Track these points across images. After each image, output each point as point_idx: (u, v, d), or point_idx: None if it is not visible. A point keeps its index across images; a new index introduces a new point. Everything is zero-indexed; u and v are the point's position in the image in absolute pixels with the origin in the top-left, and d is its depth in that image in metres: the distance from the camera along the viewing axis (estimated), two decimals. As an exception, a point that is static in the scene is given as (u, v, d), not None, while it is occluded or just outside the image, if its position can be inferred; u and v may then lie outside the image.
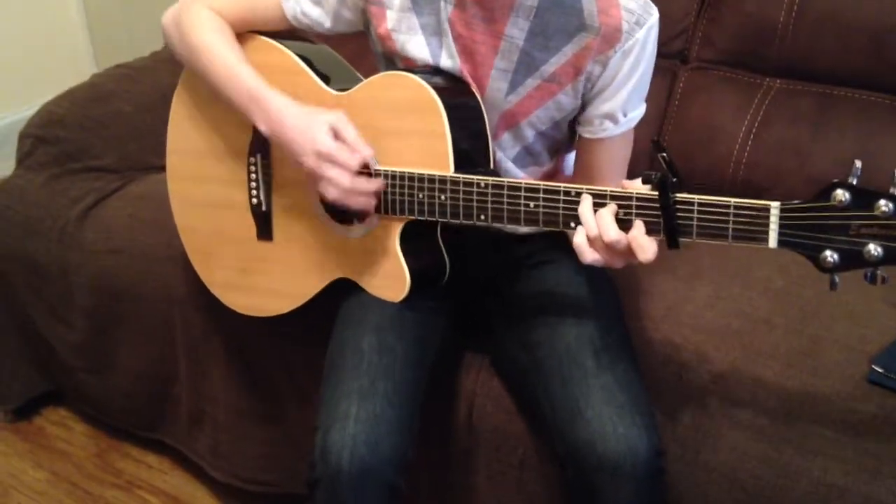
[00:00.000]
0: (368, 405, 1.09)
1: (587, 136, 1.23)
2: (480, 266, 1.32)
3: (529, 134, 1.23)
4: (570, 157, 1.36)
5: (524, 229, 1.31)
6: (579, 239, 1.04)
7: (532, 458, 1.31)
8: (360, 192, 1.16)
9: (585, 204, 1.04)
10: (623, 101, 1.19)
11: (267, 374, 1.54)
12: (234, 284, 1.40)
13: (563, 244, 1.33)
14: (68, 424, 1.90)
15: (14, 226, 1.72)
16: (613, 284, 1.32)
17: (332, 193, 1.16)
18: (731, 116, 1.64)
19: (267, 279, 1.35)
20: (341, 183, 1.14)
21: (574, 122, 1.25)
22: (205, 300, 1.47)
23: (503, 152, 1.25)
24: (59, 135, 1.78)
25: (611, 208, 1.02)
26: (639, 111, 1.22)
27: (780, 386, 1.21)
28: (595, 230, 1.02)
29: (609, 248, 1.02)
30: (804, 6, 1.58)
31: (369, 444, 1.06)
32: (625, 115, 1.20)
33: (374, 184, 1.17)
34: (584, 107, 1.22)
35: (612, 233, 1.01)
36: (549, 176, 1.31)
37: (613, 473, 1.05)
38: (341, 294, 1.29)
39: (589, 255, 1.04)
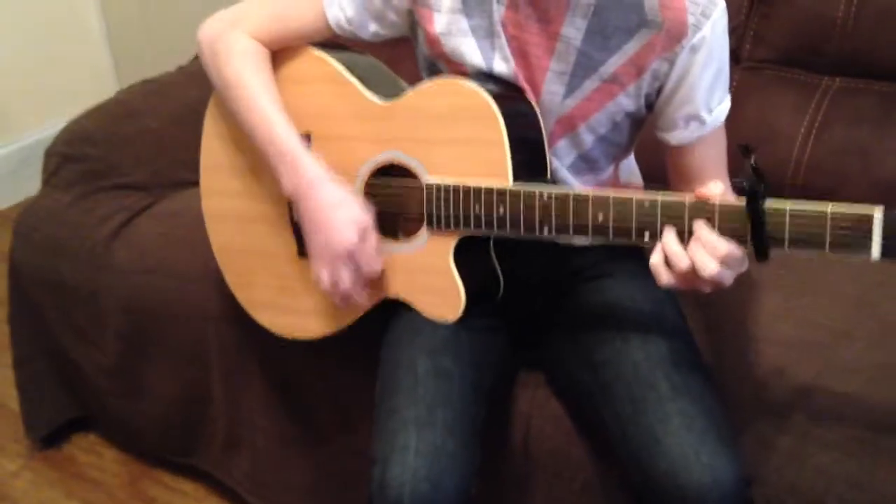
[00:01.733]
0: (428, 436, 1.03)
1: (676, 141, 1.16)
2: (535, 280, 1.25)
3: (588, 139, 1.17)
4: (628, 163, 1.30)
5: (579, 240, 1.24)
6: (656, 259, 0.98)
7: (595, 484, 1.24)
8: (350, 300, 1.16)
9: (669, 237, 0.98)
10: (704, 98, 1.12)
11: (308, 398, 1.48)
12: (273, 304, 1.34)
13: (622, 255, 1.27)
14: (98, 451, 1.85)
15: (41, 247, 1.67)
16: (676, 298, 1.24)
17: (324, 283, 1.15)
18: (788, 118, 1.57)
19: (308, 299, 1.29)
20: (342, 283, 1.13)
21: (656, 132, 1.18)
22: (242, 320, 1.40)
23: (559, 160, 1.18)
24: (86, 152, 1.73)
25: (704, 242, 0.96)
26: (724, 105, 1.15)
27: (867, 402, 1.13)
28: (687, 264, 0.96)
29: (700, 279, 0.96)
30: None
31: (430, 479, 1.00)
32: (710, 113, 1.14)
33: (364, 303, 1.17)
34: (662, 111, 1.15)
35: (713, 268, 0.95)
36: (607, 184, 1.24)
37: None
38: (389, 313, 1.22)
39: (665, 278, 0.98)
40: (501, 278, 1.19)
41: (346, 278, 1.13)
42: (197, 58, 2.03)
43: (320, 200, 1.13)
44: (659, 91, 1.14)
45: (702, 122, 1.14)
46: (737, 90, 1.62)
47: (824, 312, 1.26)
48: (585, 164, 1.20)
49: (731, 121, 1.62)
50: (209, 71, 1.25)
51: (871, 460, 1.08)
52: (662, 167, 1.25)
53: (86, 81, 2.84)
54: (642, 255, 1.30)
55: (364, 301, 1.17)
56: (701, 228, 0.97)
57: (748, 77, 1.64)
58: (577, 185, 1.20)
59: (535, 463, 1.27)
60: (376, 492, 1.02)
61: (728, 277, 0.97)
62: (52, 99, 2.78)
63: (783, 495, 1.11)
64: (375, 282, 1.21)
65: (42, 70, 2.76)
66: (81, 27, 2.86)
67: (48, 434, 1.83)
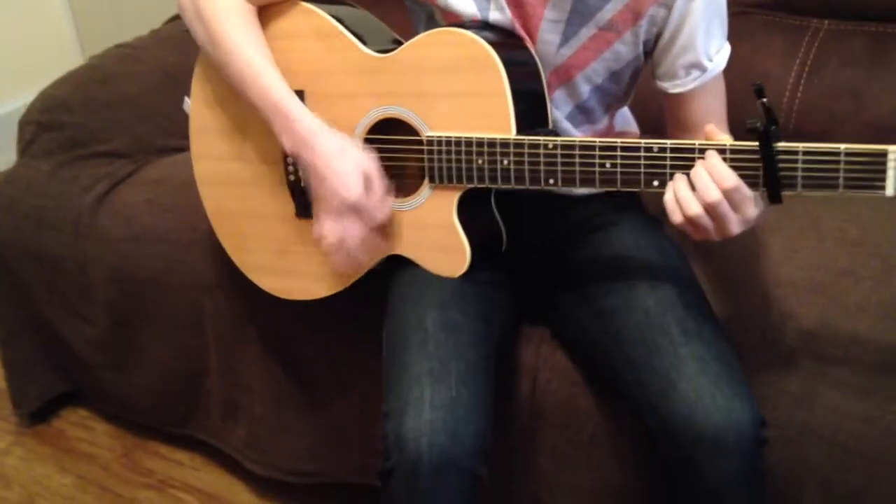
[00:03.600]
0: (442, 388, 1.01)
1: (676, 90, 1.14)
2: (537, 232, 1.24)
3: (585, 90, 1.15)
4: (623, 112, 1.28)
5: (580, 191, 1.22)
6: (670, 196, 0.97)
7: (603, 435, 1.24)
8: (354, 256, 1.12)
9: (680, 183, 0.97)
10: (703, 45, 1.11)
11: (306, 361, 1.46)
12: (272, 267, 1.31)
13: (625, 205, 1.26)
14: (89, 425, 1.82)
15: (22, 219, 1.63)
16: (681, 245, 1.24)
17: (330, 237, 1.11)
18: (778, 62, 1.56)
19: (307, 260, 1.27)
20: (350, 236, 1.10)
21: (655, 81, 1.17)
22: (236, 285, 1.38)
23: (557, 111, 1.16)
24: (63, 120, 1.68)
25: (712, 170, 0.95)
26: (724, 52, 1.14)
27: (876, 340, 1.14)
28: (696, 210, 0.96)
29: (708, 209, 0.95)
30: (852, -62, 1.51)
31: (447, 430, 0.99)
32: (710, 60, 1.12)
33: (366, 262, 1.14)
34: (661, 59, 1.13)
35: (714, 195, 0.94)
36: (603, 135, 1.23)
37: (715, 448, 0.98)
38: (389, 271, 1.21)
39: (678, 217, 0.97)
40: (504, 231, 1.18)
41: (353, 232, 1.10)
42: (170, 21, 2.00)
43: (320, 152, 1.10)
44: (657, 38, 1.12)
45: (703, 69, 1.13)
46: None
47: (828, 254, 1.26)
48: (582, 114, 1.18)
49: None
50: (194, 31, 1.20)
51: (882, 395, 1.09)
52: (656, 119, 1.25)
53: (49, 53, 2.76)
54: (644, 205, 1.30)
55: (366, 260, 1.14)
56: (712, 156, 0.96)
57: (737, 23, 1.58)
58: (577, 135, 1.18)
59: (543, 416, 1.27)
60: (392, 446, 1.00)
61: (733, 220, 0.96)
62: (14, 73, 2.70)
63: (795, 436, 1.11)
64: (377, 239, 1.19)
65: (3, 44, 2.68)
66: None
67: (37, 410, 1.80)
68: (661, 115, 1.24)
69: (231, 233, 1.34)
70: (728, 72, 1.57)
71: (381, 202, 1.11)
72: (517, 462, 1.30)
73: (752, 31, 1.60)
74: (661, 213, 1.23)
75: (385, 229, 1.15)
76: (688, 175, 0.98)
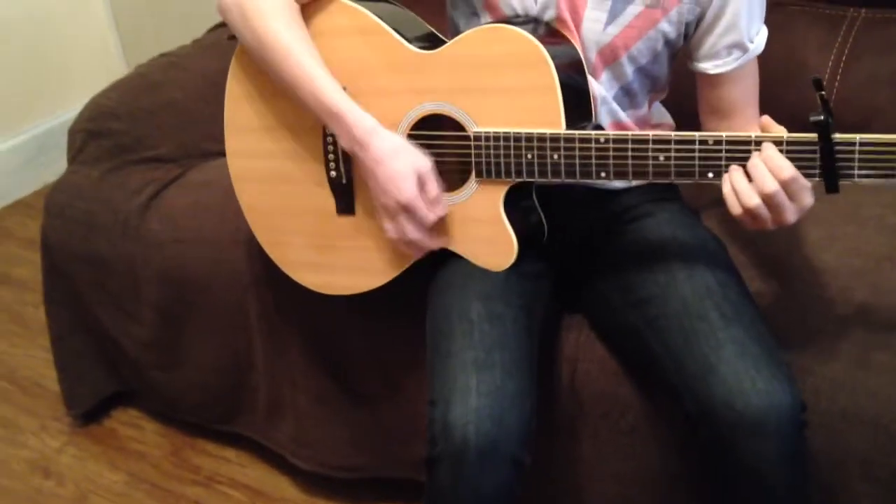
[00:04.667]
0: (488, 377, 1.03)
1: (717, 70, 1.16)
2: (576, 224, 1.25)
3: (629, 70, 1.16)
4: (658, 105, 1.29)
5: (618, 183, 1.24)
6: (728, 189, 0.99)
7: (643, 423, 1.25)
8: (415, 247, 1.15)
9: (736, 175, 0.98)
10: (745, 25, 1.12)
11: (351, 356, 1.48)
12: (312, 263, 1.33)
13: (661, 196, 1.27)
14: (139, 424, 1.86)
15: (74, 223, 1.67)
16: (718, 234, 1.24)
17: (390, 234, 1.15)
18: (814, 53, 1.56)
19: (350, 255, 1.29)
20: (406, 234, 1.13)
21: (694, 63, 1.18)
22: (279, 283, 1.40)
23: (606, 92, 1.17)
24: (111, 127, 1.72)
25: (770, 161, 0.96)
26: (763, 34, 1.16)
27: (917, 324, 1.13)
28: (755, 202, 0.97)
29: (766, 199, 0.97)
30: (888, -75, 1.50)
31: (493, 418, 1.01)
32: (751, 41, 1.14)
33: (434, 242, 1.16)
34: (703, 39, 1.14)
35: (772, 186, 0.95)
36: (644, 123, 1.24)
37: (755, 431, 0.98)
38: (431, 264, 1.23)
39: (737, 209, 0.99)
40: (545, 224, 1.19)
41: (409, 230, 1.12)
42: (212, 30, 2.05)
43: (375, 151, 1.11)
44: (699, 20, 1.13)
45: (744, 49, 1.14)
46: (761, 28, 1.61)
47: (867, 240, 1.26)
48: (627, 97, 1.20)
49: (758, 59, 1.62)
50: (240, 32, 1.21)
51: (924, 379, 1.09)
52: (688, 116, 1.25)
53: (94, 65, 2.83)
54: (682, 196, 1.31)
55: (432, 244, 1.16)
56: (768, 147, 0.97)
57: (772, 14, 1.58)
58: (625, 120, 1.20)
59: (583, 405, 1.28)
60: (439, 433, 1.02)
61: (791, 212, 0.98)
62: (61, 86, 2.78)
63: (837, 421, 1.11)
64: (434, 234, 1.20)
65: (51, 58, 2.75)
66: (87, 11, 2.84)
67: (89, 410, 1.84)
68: (696, 102, 1.24)
69: (268, 228, 1.36)
70: (765, 63, 1.57)
71: (435, 202, 1.12)
72: (558, 450, 1.32)
73: (789, 22, 1.60)
74: (699, 205, 1.24)
75: (439, 224, 1.17)
76: (744, 167, 0.99)
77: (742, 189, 0.98)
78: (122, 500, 1.69)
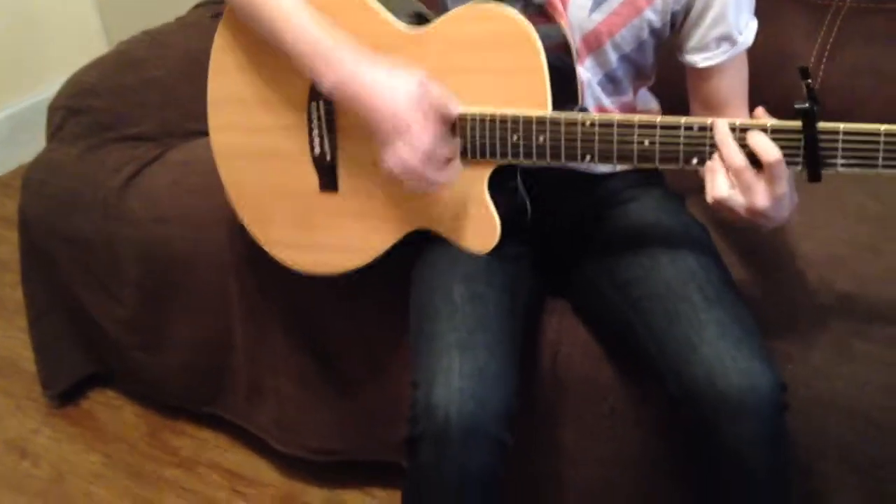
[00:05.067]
0: (470, 358, 1.03)
1: (706, 63, 1.16)
2: (561, 208, 1.25)
3: (613, 58, 1.16)
4: (644, 91, 1.29)
5: (603, 168, 1.24)
6: (712, 164, 0.99)
7: (624, 406, 1.26)
8: (425, 179, 1.07)
9: (724, 130, 0.98)
10: (734, 17, 1.12)
11: (333, 338, 1.48)
12: (294, 242, 1.32)
13: (646, 181, 1.27)
14: (117, 405, 1.85)
15: (53, 201, 1.66)
16: (702, 220, 1.25)
17: (395, 167, 1.06)
18: (800, 41, 1.56)
19: (332, 234, 1.28)
20: (410, 163, 1.05)
21: (684, 56, 1.18)
22: (261, 263, 1.39)
23: (591, 77, 1.17)
24: (91, 104, 1.70)
25: (757, 145, 0.96)
26: (753, 26, 1.16)
27: (896, 312, 1.14)
28: (741, 162, 0.96)
29: (739, 175, 0.96)
30: (873, -85, 1.51)
31: (476, 398, 1.01)
32: (740, 33, 1.14)
33: (444, 175, 1.08)
34: (692, 32, 1.14)
35: (775, 153, 0.95)
36: (629, 109, 1.24)
37: (736, 409, 0.99)
38: (415, 244, 1.22)
39: (721, 190, 0.98)
40: (529, 206, 1.19)
41: (421, 145, 1.04)
42: (195, 8, 2.02)
43: (366, 82, 1.06)
44: (687, 12, 1.13)
45: (733, 42, 1.14)
46: (747, 16, 1.62)
47: (849, 230, 1.28)
48: (611, 83, 1.19)
49: (743, 47, 1.62)
50: None
51: (905, 366, 1.10)
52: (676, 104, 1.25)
53: (74, 42, 2.79)
54: (666, 181, 1.32)
55: (448, 175, 1.08)
56: (754, 134, 0.97)
57: (758, 2, 1.61)
58: (609, 106, 1.20)
59: (565, 388, 1.29)
60: (421, 413, 1.02)
61: (761, 193, 0.97)
62: (42, 64, 2.74)
63: (816, 406, 1.13)
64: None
65: (29, 36, 2.71)
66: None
67: (65, 391, 1.83)
68: (685, 95, 1.25)
69: (249, 206, 1.34)
70: (751, 51, 1.58)
71: (444, 100, 1.07)
72: (539, 434, 1.32)
73: (774, 10, 1.60)
74: (683, 191, 1.24)
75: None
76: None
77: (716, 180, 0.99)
78: (99, 482, 1.68)
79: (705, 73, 1.17)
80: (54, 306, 1.75)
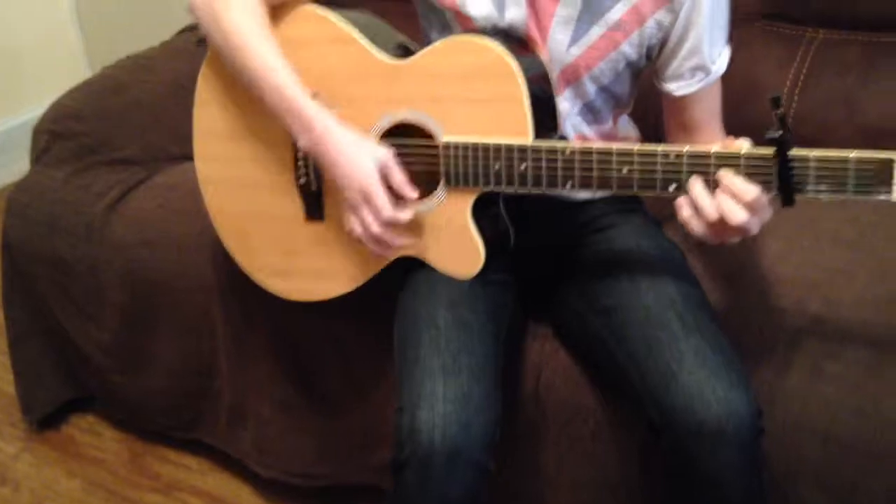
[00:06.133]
0: (454, 383, 1.05)
1: (681, 92, 1.19)
2: (542, 233, 1.27)
3: (591, 89, 1.19)
4: (624, 117, 1.32)
5: (583, 195, 1.26)
6: (687, 213, 1.01)
7: (605, 430, 1.27)
8: (384, 242, 1.14)
9: (698, 187, 1.00)
10: (707, 48, 1.15)
11: (316, 364, 1.49)
12: (279, 269, 1.34)
13: (626, 207, 1.29)
14: (97, 431, 1.85)
15: (37, 224, 1.66)
16: (680, 245, 1.27)
17: (354, 229, 1.14)
18: (774, 71, 1.60)
19: (317, 262, 1.29)
20: (369, 226, 1.13)
21: (659, 83, 1.21)
22: (245, 288, 1.40)
23: (570, 108, 1.20)
24: (76, 128, 1.71)
25: (732, 189, 0.99)
26: (726, 55, 1.19)
27: (869, 336, 1.17)
28: (715, 215, 0.99)
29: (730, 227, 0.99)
30: (845, -48, 1.55)
31: (460, 423, 1.02)
32: (713, 63, 1.17)
33: (400, 241, 1.15)
34: (668, 62, 1.17)
35: (741, 216, 0.98)
36: (609, 137, 1.26)
37: (715, 438, 1.01)
38: (400, 272, 1.24)
39: (698, 228, 1.01)
40: (512, 232, 1.21)
41: (371, 222, 1.12)
42: (181, 33, 2.04)
43: (336, 142, 1.12)
44: (663, 44, 1.16)
45: (707, 71, 1.17)
46: (723, 46, 1.66)
47: (824, 254, 1.30)
48: (590, 113, 1.22)
49: (719, 76, 1.65)
50: (209, 31, 1.21)
51: (875, 390, 1.12)
52: (654, 129, 1.28)
53: (57, 66, 2.80)
54: (646, 207, 1.34)
55: (398, 241, 1.15)
56: (726, 176, 1.00)
57: (734, 32, 1.64)
58: (589, 134, 1.22)
59: (546, 412, 1.30)
60: (406, 438, 1.03)
61: (755, 225, 1.00)
62: (24, 86, 2.74)
63: (790, 430, 1.14)
64: (402, 229, 1.20)
65: (11, 57, 2.72)
66: (50, 11, 2.82)
67: (46, 416, 1.82)
68: (662, 117, 1.27)
69: (235, 234, 1.36)
70: (726, 79, 1.61)
71: (402, 186, 1.12)
72: (520, 457, 1.33)
73: (749, 40, 1.64)
74: (662, 216, 1.27)
75: (403, 226, 1.17)
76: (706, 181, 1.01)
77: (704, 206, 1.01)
78: (80, 507, 1.68)
79: (680, 101, 1.20)
80: (35, 330, 1.75)
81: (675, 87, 1.19)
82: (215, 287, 1.52)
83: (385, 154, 1.13)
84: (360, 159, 1.12)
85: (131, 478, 1.73)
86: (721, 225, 1.00)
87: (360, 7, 1.27)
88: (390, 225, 1.13)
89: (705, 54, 1.15)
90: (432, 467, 1.01)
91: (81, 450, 1.80)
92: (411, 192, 1.13)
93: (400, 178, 1.13)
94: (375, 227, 1.13)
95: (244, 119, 1.29)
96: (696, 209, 1.01)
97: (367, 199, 1.12)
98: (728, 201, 0.99)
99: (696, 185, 1.01)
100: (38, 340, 1.76)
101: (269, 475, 1.60)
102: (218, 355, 1.58)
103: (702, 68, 1.17)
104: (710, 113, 1.22)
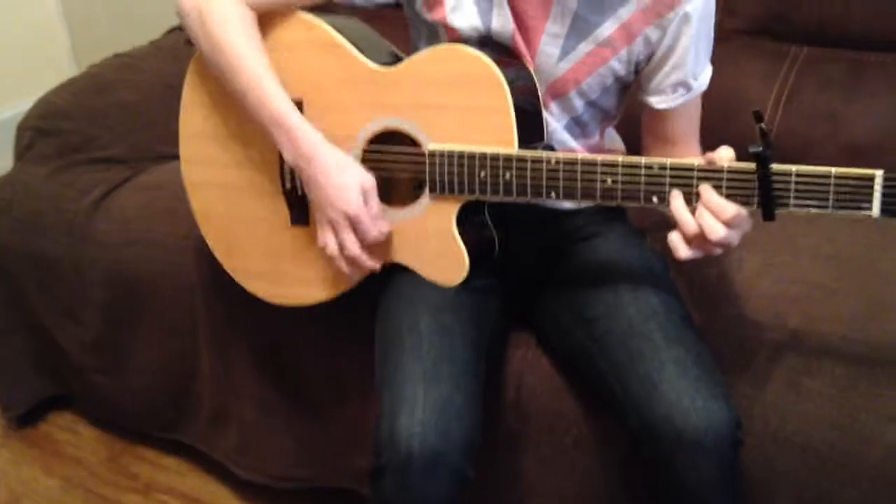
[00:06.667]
0: (435, 390, 1.05)
1: (661, 106, 1.19)
2: (526, 242, 1.28)
3: (579, 104, 1.19)
4: (610, 130, 1.33)
5: (568, 204, 1.27)
6: (675, 236, 1.02)
7: (586, 439, 1.27)
8: (358, 265, 1.16)
9: (677, 202, 1.01)
10: (691, 65, 1.16)
11: (299, 366, 1.48)
12: (263, 274, 1.34)
13: (610, 217, 1.30)
14: (76, 429, 1.84)
15: (19, 221, 1.65)
16: (663, 256, 1.28)
17: (330, 248, 1.15)
18: (758, 86, 1.61)
19: (301, 267, 1.29)
20: (347, 248, 1.14)
21: (641, 94, 1.22)
22: (229, 290, 1.40)
23: (556, 122, 1.21)
24: (60, 126, 1.71)
25: (710, 205, 1.00)
26: (708, 72, 1.19)
27: (846, 350, 1.18)
28: (695, 229, 1.00)
29: (710, 242, 1.00)
30: (832, -31, 1.56)
31: (439, 430, 1.02)
32: (695, 80, 1.18)
33: (372, 263, 1.16)
34: (651, 76, 1.18)
35: (720, 232, 0.99)
36: (595, 150, 1.27)
37: (695, 448, 1.02)
38: (383, 276, 1.24)
39: (684, 252, 1.02)
40: (497, 240, 1.21)
41: (350, 243, 1.14)
42: (169, 32, 2.04)
43: (321, 164, 1.13)
44: (650, 58, 1.17)
45: (688, 88, 1.18)
46: (709, 60, 1.67)
47: (803, 269, 1.31)
48: (578, 127, 1.23)
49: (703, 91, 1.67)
50: (196, 37, 1.21)
51: (853, 403, 1.13)
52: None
53: (43, 63, 2.78)
54: (629, 217, 1.35)
55: (371, 264, 1.17)
56: (706, 192, 1.01)
57: (719, 47, 1.62)
58: (576, 146, 1.23)
59: (527, 420, 1.30)
60: (385, 444, 1.03)
61: (735, 238, 1.01)
62: (8, 82, 2.72)
63: (769, 442, 1.15)
64: (376, 248, 1.22)
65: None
66: (38, 9, 2.80)
67: (24, 413, 1.81)
68: (640, 127, 1.28)
69: (219, 237, 1.36)
70: (709, 94, 1.63)
71: (377, 219, 1.14)
72: (501, 465, 1.33)
73: (733, 55, 1.66)
74: (646, 226, 1.27)
75: (378, 244, 1.18)
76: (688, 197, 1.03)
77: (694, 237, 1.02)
78: (57, 506, 1.67)
79: (658, 114, 1.21)
80: (16, 327, 1.74)
81: (656, 101, 1.20)
82: (199, 288, 1.52)
83: (368, 180, 1.14)
84: (346, 184, 1.12)
85: (109, 477, 1.73)
86: (701, 239, 1.01)
87: (349, 14, 1.28)
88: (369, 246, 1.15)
89: (689, 70, 1.16)
90: (411, 474, 1.01)
91: (60, 448, 1.79)
92: (384, 227, 1.15)
93: (376, 209, 1.14)
94: (355, 250, 1.14)
95: (230, 122, 1.28)
96: (678, 224, 1.02)
97: (354, 223, 1.13)
98: (708, 217, 1.00)
99: (675, 201, 1.02)
100: (18, 337, 1.75)
101: (249, 477, 1.59)
102: (200, 356, 1.57)
103: (683, 84, 1.18)
104: (688, 128, 1.23)
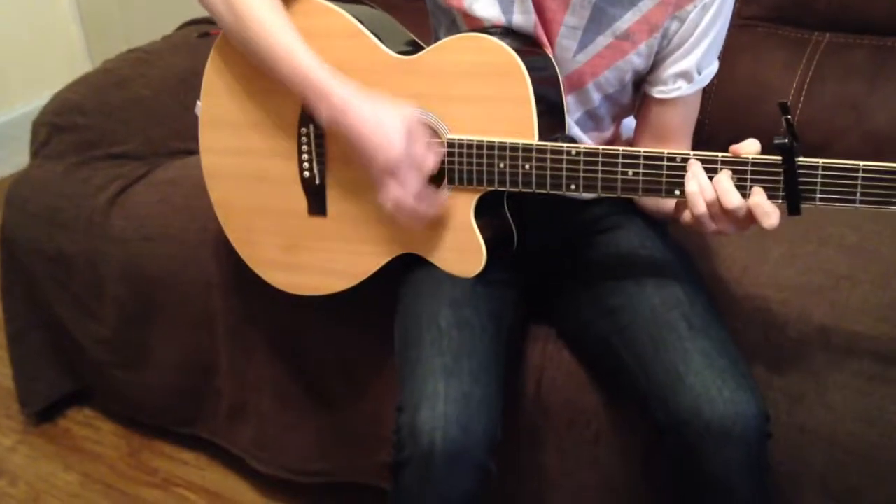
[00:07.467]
0: (456, 384, 1.04)
1: (659, 95, 1.17)
2: (546, 234, 1.26)
3: (595, 97, 1.18)
4: (628, 120, 1.31)
5: (588, 195, 1.25)
6: (694, 188, 1.00)
7: (608, 432, 1.26)
8: (417, 215, 1.11)
9: (696, 167, 1.00)
10: (699, 58, 1.14)
11: (316, 360, 1.48)
12: (281, 263, 1.33)
13: (631, 208, 1.29)
14: (95, 425, 1.84)
15: (36, 218, 1.65)
16: (685, 247, 1.27)
17: (389, 204, 1.10)
18: (779, 74, 1.59)
19: (319, 256, 1.29)
20: (407, 194, 1.09)
21: (640, 83, 1.19)
22: (246, 284, 1.40)
23: (568, 115, 1.19)
24: (77, 122, 1.70)
25: (726, 173, 0.98)
26: (713, 67, 1.17)
27: (874, 342, 1.16)
28: (712, 194, 0.98)
29: (728, 215, 0.99)
30: (853, -46, 1.54)
31: (461, 423, 1.01)
32: (699, 73, 1.15)
33: (434, 208, 1.11)
34: (655, 66, 1.16)
35: (734, 199, 0.97)
36: (609, 143, 1.26)
37: (722, 439, 1.00)
38: (401, 269, 1.23)
39: (709, 225, 1.00)
40: (515, 232, 1.20)
41: (408, 187, 1.08)
42: (182, 27, 2.03)
43: (356, 116, 1.08)
44: (663, 48, 1.14)
45: (689, 80, 1.16)
46: (728, 48, 1.64)
47: (828, 259, 1.29)
48: (592, 120, 1.21)
49: (724, 79, 1.66)
50: (218, 12, 1.17)
51: (880, 396, 1.12)
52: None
53: (57, 59, 2.80)
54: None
55: (432, 210, 1.12)
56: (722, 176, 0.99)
57: (739, 35, 1.65)
58: (587, 140, 1.21)
59: (548, 413, 1.29)
60: (406, 438, 1.02)
61: (743, 219, 1.00)
62: (24, 78, 2.74)
63: (795, 435, 1.14)
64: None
65: (11, 50, 2.71)
66: (53, 7, 2.81)
67: (43, 409, 1.81)
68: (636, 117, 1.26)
69: (238, 226, 1.34)
70: (730, 83, 1.61)
71: (427, 149, 1.10)
72: (522, 459, 1.32)
73: (754, 43, 1.64)
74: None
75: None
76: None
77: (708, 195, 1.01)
78: (76, 501, 1.67)
79: (655, 104, 1.19)
80: (34, 323, 1.74)
81: (655, 90, 1.17)
82: (216, 282, 1.52)
83: (406, 115, 1.09)
84: (383, 129, 1.07)
85: (129, 472, 1.73)
86: (718, 206, 0.99)
87: (370, 2, 1.27)
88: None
89: (693, 63, 1.14)
90: (432, 468, 1.00)
91: (79, 443, 1.79)
92: (433, 159, 1.10)
93: (422, 140, 1.09)
94: (413, 188, 1.09)
95: (249, 112, 1.27)
96: (700, 187, 1.00)
97: (402, 165, 1.07)
98: (726, 181, 0.99)
99: (696, 164, 1.01)
100: (36, 334, 1.75)
101: (268, 471, 1.59)
102: (218, 351, 1.57)
103: (685, 76, 1.15)
104: (682, 124, 1.20)
